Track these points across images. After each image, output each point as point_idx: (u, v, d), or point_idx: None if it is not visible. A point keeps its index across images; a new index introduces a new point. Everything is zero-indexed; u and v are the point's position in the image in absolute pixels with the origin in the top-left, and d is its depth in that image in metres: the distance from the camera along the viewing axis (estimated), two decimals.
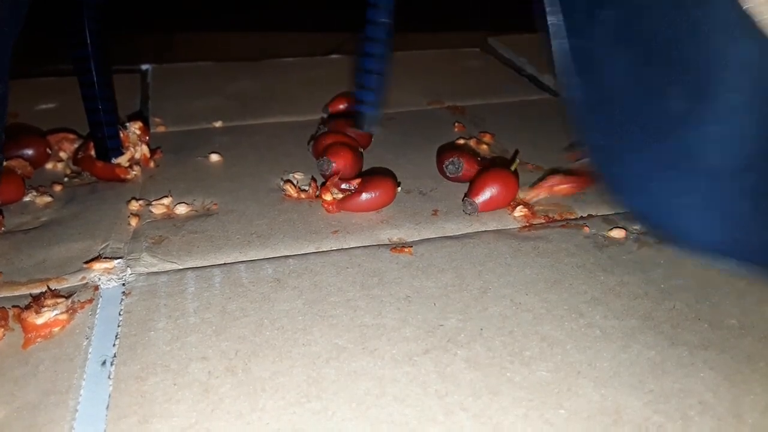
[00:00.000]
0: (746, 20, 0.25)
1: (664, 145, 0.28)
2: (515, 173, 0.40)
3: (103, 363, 0.28)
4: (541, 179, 0.41)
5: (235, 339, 0.29)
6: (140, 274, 0.34)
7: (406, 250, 0.35)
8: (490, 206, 0.39)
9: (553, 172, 0.42)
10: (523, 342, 0.28)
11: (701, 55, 0.27)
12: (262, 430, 0.24)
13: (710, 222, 0.28)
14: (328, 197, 0.39)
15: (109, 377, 0.27)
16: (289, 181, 0.43)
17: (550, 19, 0.31)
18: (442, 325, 0.29)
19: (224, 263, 0.35)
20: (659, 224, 0.30)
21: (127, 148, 0.45)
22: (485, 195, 0.38)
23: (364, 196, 0.39)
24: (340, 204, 0.39)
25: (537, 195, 0.40)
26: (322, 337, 0.29)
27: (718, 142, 0.27)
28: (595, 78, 0.30)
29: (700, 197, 0.28)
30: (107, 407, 0.25)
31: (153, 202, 0.41)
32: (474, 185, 0.39)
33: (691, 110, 0.27)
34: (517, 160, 0.43)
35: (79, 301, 0.32)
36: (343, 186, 0.40)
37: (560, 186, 0.40)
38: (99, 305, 0.31)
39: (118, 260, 0.35)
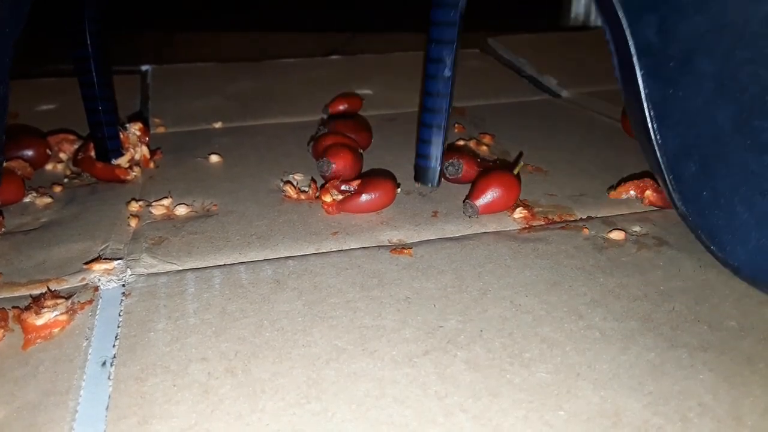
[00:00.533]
0: None
1: None
2: (518, 176, 0.40)
3: (103, 364, 0.28)
4: (630, 178, 0.40)
5: (234, 340, 0.29)
6: (140, 275, 0.34)
7: (406, 251, 0.35)
8: (491, 209, 0.39)
9: (646, 175, 0.41)
10: (522, 344, 0.28)
11: None
12: (262, 431, 0.24)
13: None
14: (327, 198, 0.39)
15: (108, 378, 0.27)
16: (289, 182, 0.43)
17: (638, 68, 0.30)
18: (441, 327, 0.29)
19: (224, 264, 0.35)
20: (759, 277, 0.29)
21: (127, 149, 0.45)
22: (486, 198, 0.38)
23: (364, 197, 0.39)
24: (339, 205, 0.39)
25: (627, 191, 0.40)
26: (322, 338, 0.29)
27: None
28: (689, 127, 0.30)
29: None
30: (107, 408, 0.25)
31: (153, 203, 0.41)
32: (475, 187, 0.39)
33: None
34: (521, 163, 0.43)
35: (78, 302, 0.32)
36: (343, 187, 0.40)
37: (650, 192, 0.39)
38: (99, 306, 0.31)
39: (118, 261, 0.35)
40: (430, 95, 0.39)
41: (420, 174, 0.41)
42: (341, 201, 0.39)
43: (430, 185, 0.41)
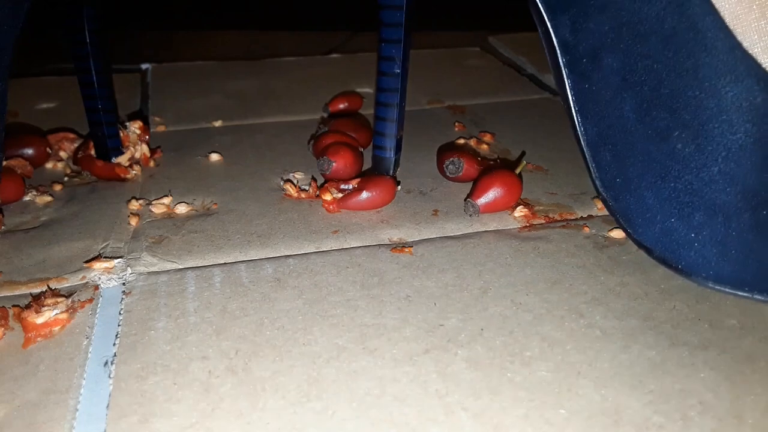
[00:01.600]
0: (748, 62, 0.27)
1: (672, 184, 0.30)
2: (519, 176, 0.40)
3: (105, 363, 0.27)
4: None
5: (235, 338, 0.29)
6: (140, 274, 0.34)
7: (407, 250, 0.35)
8: (492, 208, 0.39)
9: None
10: (523, 342, 0.28)
11: (703, 99, 0.28)
12: (263, 429, 0.24)
13: (719, 256, 0.29)
14: (328, 197, 0.39)
15: (109, 377, 0.27)
16: (289, 180, 0.43)
17: (562, 64, 0.33)
18: (442, 325, 0.29)
19: (224, 263, 0.35)
20: (667, 258, 0.31)
21: (127, 148, 0.45)
22: (487, 197, 0.38)
23: (364, 194, 0.39)
24: (340, 202, 0.39)
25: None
26: (323, 336, 0.29)
27: (723, 182, 0.29)
28: (603, 118, 0.32)
29: (709, 232, 0.29)
30: (107, 407, 0.25)
31: (153, 202, 0.41)
32: (476, 186, 0.39)
33: (694, 153, 0.29)
34: (524, 162, 0.43)
35: (79, 300, 0.32)
36: (343, 186, 0.40)
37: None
38: (99, 305, 0.31)
39: (119, 260, 0.35)
40: (383, 91, 0.41)
41: (377, 164, 0.43)
42: (341, 198, 0.39)
43: (386, 174, 0.43)
